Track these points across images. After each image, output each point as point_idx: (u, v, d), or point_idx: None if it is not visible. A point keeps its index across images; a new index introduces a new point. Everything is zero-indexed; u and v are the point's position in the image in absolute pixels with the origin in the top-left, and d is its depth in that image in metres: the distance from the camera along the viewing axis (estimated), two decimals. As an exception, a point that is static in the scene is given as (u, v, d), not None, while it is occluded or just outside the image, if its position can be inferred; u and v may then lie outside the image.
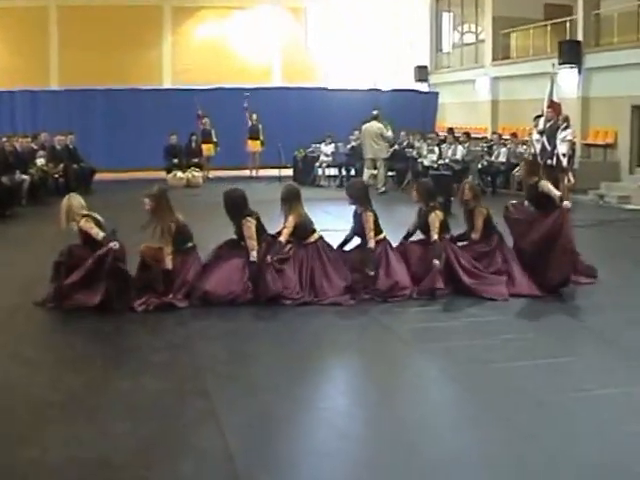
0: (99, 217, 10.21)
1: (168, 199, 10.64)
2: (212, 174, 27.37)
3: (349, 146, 25.88)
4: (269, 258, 10.27)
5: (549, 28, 30.09)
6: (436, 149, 24.10)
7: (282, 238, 10.52)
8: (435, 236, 10.79)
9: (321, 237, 10.87)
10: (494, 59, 33.04)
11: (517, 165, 21.17)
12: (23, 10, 35.75)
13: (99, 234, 9.85)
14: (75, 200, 10.21)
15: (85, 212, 10.12)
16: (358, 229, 10.91)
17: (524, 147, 23.63)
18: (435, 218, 10.88)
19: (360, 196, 11.02)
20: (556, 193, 11.15)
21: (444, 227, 11.05)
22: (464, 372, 7.72)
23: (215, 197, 18.29)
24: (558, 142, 18.90)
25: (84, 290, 9.86)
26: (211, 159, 27.50)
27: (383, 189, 22.92)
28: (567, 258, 10.77)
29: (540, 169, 12.81)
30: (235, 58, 39.06)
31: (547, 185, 11.27)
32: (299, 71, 38.85)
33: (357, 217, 10.93)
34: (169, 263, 10.24)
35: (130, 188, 22.60)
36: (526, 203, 11.89)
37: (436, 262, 10.51)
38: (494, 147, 24.94)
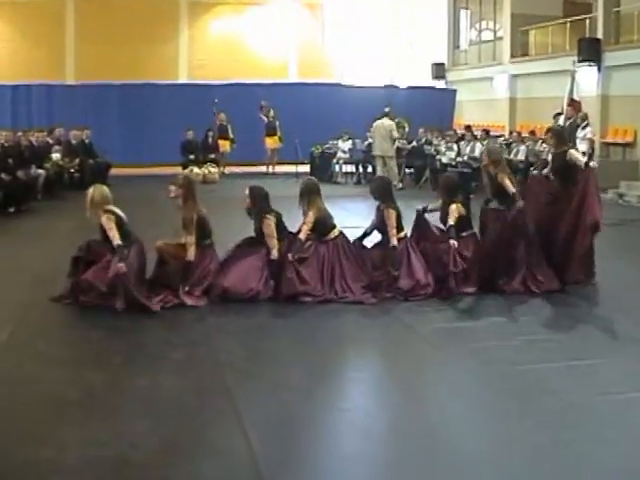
0: (122, 213, 10.00)
1: (194, 188, 10.51)
2: (228, 170, 27.32)
3: (366, 143, 25.66)
4: (290, 256, 10.14)
5: (568, 25, 29.93)
6: (454, 146, 23.97)
7: (302, 235, 10.38)
8: (451, 221, 10.59)
9: (342, 233, 10.70)
10: (512, 56, 32.89)
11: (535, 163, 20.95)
12: (40, 4, 35.76)
13: (115, 238, 9.64)
14: (97, 192, 9.97)
15: (108, 207, 9.91)
16: (379, 225, 10.76)
17: (543, 145, 23.39)
18: (455, 209, 10.69)
19: (382, 193, 10.88)
20: (582, 161, 10.97)
21: (465, 222, 10.86)
22: (489, 374, 7.56)
23: (231, 193, 18.34)
24: (578, 140, 18.73)
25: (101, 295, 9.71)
26: (227, 155, 27.40)
27: (400, 185, 22.77)
28: (587, 251, 10.71)
29: (568, 139, 12.56)
30: (251, 54, 39.00)
31: (575, 154, 11.15)
32: (315, 67, 38.78)
33: (379, 212, 10.78)
34: (191, 254, 10.05)
35: (146, 183, 22.62)
36: (545, 171, 11.67)
37: (453, 242, 10.36)
38: (513, 145, 24.72)
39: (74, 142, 23.59)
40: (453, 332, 8.98)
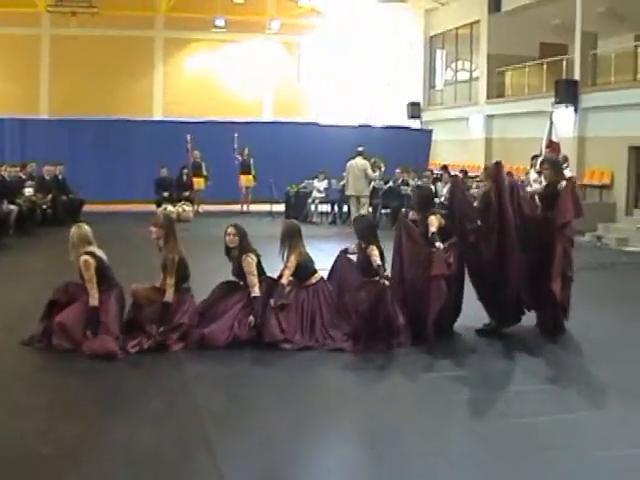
0: (103, 255, 9.76)
1: (175, 228, 10.24)
2: (202, 208, 27.01)
3: (342, 182, 25.42)
4: (272, 302, 9.88)
5: (545, 67, 29.99)
6: (432, 187, 23.75)
7: (284, 280, 10.12)
8: (433, 229, 10.32)
9: (322, 278, 10.46)
10: (489, 97, 32.89)
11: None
12: (15, 38, 35.66)
13: (93, 294, 9.41)
14: (76, 233, 9.73)
15: (89, 249, 9.65)
16: (363, 264, 10.48)
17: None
18: (435, 219, 10.46)
19: (366, 233, 10.64)
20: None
21: (446, 232, 10.53)
22: (480, 427, 7.33)
23: (206, 232, 18.10)
24: (557, 182, 18.65)
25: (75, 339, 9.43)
26: (201, 192, 27.11)
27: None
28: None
29: (562, 170, 12.46)
30: (226, 91, 38.98)
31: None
32: (290, 106, 38.80)
33: (362, 251, 10.53)
34: (170, 296, 9.76)
35: (119, 220, 22.38)
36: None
37: (439, 245, 10.15)
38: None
39: (47, 178, 23.35)
40: (441, 382, 8.71)
